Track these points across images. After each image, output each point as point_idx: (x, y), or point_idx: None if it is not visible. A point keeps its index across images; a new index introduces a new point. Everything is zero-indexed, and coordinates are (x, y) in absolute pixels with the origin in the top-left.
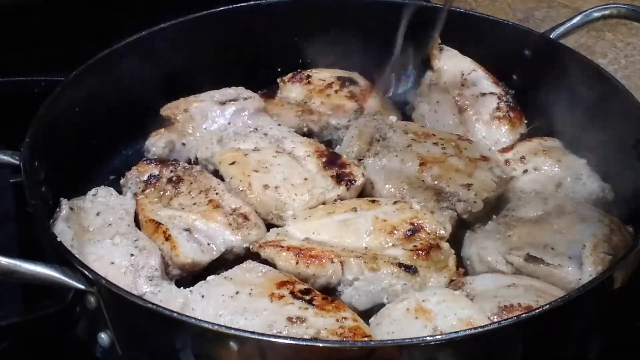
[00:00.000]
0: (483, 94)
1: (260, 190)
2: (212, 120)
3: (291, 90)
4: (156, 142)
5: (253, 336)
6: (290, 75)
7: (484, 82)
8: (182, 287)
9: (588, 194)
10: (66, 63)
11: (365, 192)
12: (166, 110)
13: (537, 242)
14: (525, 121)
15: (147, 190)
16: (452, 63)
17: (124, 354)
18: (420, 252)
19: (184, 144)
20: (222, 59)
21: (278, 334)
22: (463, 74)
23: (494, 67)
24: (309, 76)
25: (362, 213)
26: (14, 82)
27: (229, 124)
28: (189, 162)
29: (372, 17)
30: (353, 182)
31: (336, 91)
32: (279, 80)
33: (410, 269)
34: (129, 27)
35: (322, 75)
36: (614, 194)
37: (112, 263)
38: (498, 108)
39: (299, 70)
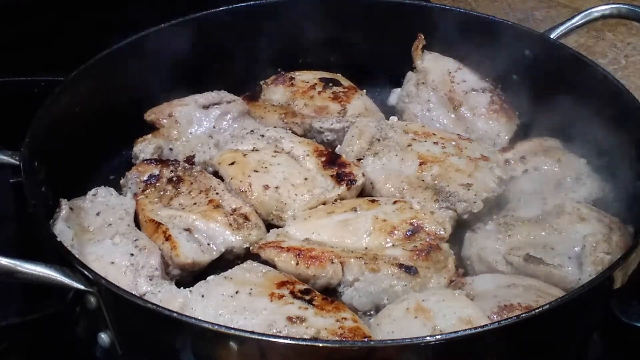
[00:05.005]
0: (475, 90)
1: (261, 191)
2: (197, 124)
3: (274, 92)
4: (144, 149)
5: (253, 336)
6: (273, 77)
7: (472, 78)
8: (182, 287)
9: (588, 194)
10: (66, 63)
11: (365, 192)
12: (150, 115)
13: (537, 242)
14: (517, 113)
15: (147, 190)
16: (436, 63)
17: (124, 354)
18: (420, 252)
19: (171, 149)
20: (224, 58)
21: (278, 334)
22: (450, 72)
23: (494, 67)
24: (292, 78)
25: (362, 213)
26: (14, 82)
27: (214, 127)
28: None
29: (371, 17)
30: (353, 181)
31: (319, 93)
32: (261, 82)
33: (410, 270)
34: (129, 27)
35: (305, 77)
36: (613, 194)
37: (112, 263)
38: (492, 102)
39: (281, 72)
